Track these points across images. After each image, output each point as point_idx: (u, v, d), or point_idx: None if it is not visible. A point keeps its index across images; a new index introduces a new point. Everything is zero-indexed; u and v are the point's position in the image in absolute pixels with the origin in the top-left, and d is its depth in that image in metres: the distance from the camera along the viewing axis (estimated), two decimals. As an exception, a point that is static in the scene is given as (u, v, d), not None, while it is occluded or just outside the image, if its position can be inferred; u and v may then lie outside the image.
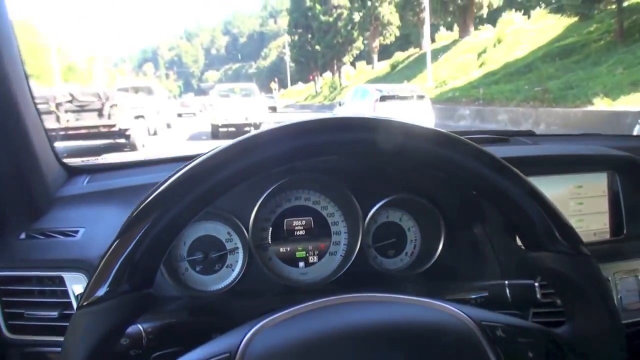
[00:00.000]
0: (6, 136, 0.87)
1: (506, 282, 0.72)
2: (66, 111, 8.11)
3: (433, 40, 26.46)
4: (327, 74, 44.17)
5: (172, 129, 14.88)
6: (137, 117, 9.52)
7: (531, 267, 0.55)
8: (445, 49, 25.13)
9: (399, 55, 31.57)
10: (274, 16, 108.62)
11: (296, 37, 42.66)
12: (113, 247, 0.46)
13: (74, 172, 1.20)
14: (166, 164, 1.29)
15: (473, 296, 0.71)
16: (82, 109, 8.24)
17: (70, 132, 8.25)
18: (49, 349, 0.90)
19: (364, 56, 38.95)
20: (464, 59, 21.48)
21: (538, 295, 0.70)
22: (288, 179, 1.01)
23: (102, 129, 8.48)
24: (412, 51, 31.19)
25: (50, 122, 7.81)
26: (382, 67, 34.05)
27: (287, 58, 68.75)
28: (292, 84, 64.29)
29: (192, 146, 10.87)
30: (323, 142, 0.49)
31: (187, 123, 18.48)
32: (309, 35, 39.90)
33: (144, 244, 0.46)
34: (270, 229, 1.06)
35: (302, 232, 1.07)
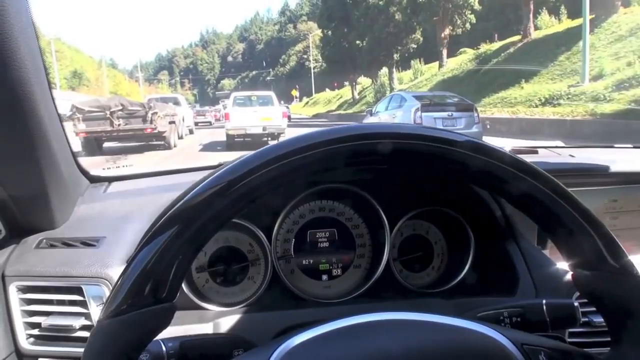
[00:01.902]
0: (29, 145, 0.89)
1: (544, 300, 0.69)
2: (118, 117, 11.04)
3: (536, 27, 21.52)
4: (358, 78, 39.06)
5: (194, 134, 17.98)
6: (170, 123, 12.45)
7: (578, 287, 0.55)
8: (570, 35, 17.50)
9: (489, 45, 23.77)
10: (293, 21, 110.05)
11: (329, 32, 36.72)
12: (135, 258, 0.47)
13: (94, 181, 1.27)
14: (186, 173, 1.37)
15: (506, 314, 0.69)
16: (130, 116, 11.18)
17: (121, 133, 11.28)
18: (67, 359, 0.93)
19: (419, 53, 31.00)
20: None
21: (579, 316, 0.68)
22: (312, 190, 1.06)
23: (145, 132, 11.37)
24: (510, 41, 22.36)
25: (105, 126, 10.85)
26: (449, 65, 26.36)
27: (312, 62, 64.55)
28: (316, 91, 61.08)
29: (212, 150, 12.26)
30: (356, 150, 0.50)
31: (204, 132, 21.17)
32: (345, 29, 33.92)
33: (167, 256, 0.47)
34: (293, 240, 1.09)
35: (325, 244, 1.11)
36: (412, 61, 30.85)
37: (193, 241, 0.48)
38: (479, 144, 0.52)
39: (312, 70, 61.76)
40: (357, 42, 32.43)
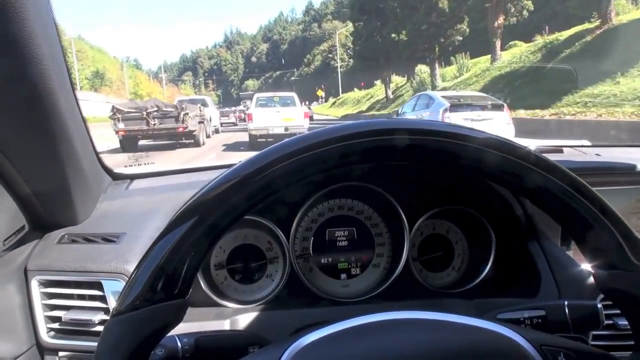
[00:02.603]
0: (52, 142, 0.91)
1: (565, 302, 0.69)
2: (153, 117, 12.41)
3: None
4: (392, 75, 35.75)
5: (219, 134, 19.50)
6: (199, 122, 13.81)
7: (599, 287, 0.55)
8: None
9: (555, 35, 20.49)
10: (318, 20, 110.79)
11: (361, 25, 33.39)
12: (149, 254, 0.48)
13: (117, 178, 1.31)
14: (206, 171, 1.42)
15: (527, 315, 0.69)
16: (164, 116, 12.57)
17: (155, 132, 12.71)
18: (86, 354, 0.96)
19: (463, 47, 27.11)
20: None
21: (602, 318, 0.68)
22: (331, 188, 1.08)
23: (177, 131, 12.75)
24: (584, 28, 18.75)
25: (142, 125, 12.31)
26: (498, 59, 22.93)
27: (338, 61, 63.38)
28: (343, 91, 59.00)
29: (235, 150, 12.94)
30: (371, 146, 0.51)
31: (228, 132, 22.45)
32: (378, 22, 30.81)
33: (180, 252, 0.48)
34: (312, 238, 1.12)
35: (344, 243, 1.13)
36: (455, 56, 27.49)
37: (207, 236, 0.49)
38: (490, 137, 0.52)
39: (339, 70, 60.93)
40: (393, 35, 28.90)
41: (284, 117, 12.26)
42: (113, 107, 12.40)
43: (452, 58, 28.39)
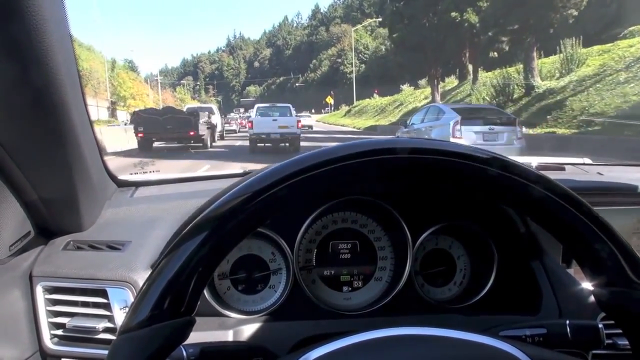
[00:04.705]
0: (60, 149, 0.95)
1: (567, 321, 0.73)
2: (169, 122, 15.54)
3: None
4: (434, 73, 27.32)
5: (223, 140, 22.77)
6: (208, 128, 17.03)
7: (600, 305, 0.58)
8: None
9: None
10: (326, 24, 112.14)
11: (401, 3, 25.94)
12: (157, 270, 0.51)
13: (122, 185, 1.36)
14: (211, 181, 1.49)
15: (528, 333, 0.73)
16: (178, 121, 15.83)
17: (170, 135, 16.03)
18: None
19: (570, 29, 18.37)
20: None
21: (603, 337, 0.71)
22: (336, 201, 1.13)
23: (189, 134, 15.96)
24: None
25: (158, 129, 15.57)
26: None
27: (353, 65, 60.50)
28: (356, 98, 55.60)
29: (239, 152, 16.22)
30: (379, 163, 0.55)
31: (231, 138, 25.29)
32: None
33: (189, 268, 0.50)
34: (315, 250, 1.17)
35: (347, 256, 1.19)
36: (562, 42, 18.24)
37: (214, 253, 0.52)
38: (507, 161, 0.56)
39: (354, 75, 59.87)
40: (454, 14, 21.85)
41: (280, 124, 15.19)
42: (134, 112, 15.76)
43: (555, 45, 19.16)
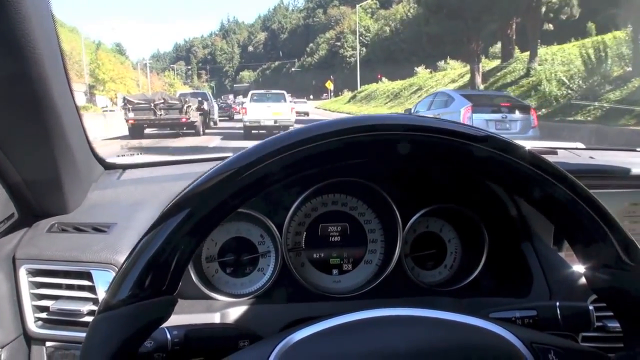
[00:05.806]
0: (43, 131, 0.96)
1: (557, 303, 0.74)
2: (159, 109, 15.52)
3: None
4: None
5: (217, 125, 22.85)
6: (200, 114, 16.98)
7: (591, 287, 0.59)
8: None
9: None
10: (323, 6, 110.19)
11: None
12: (138, 248, 0.51)
13: (109, 168, 1.37)
14: (199, 163, 1.52)
15: (518, 315, 0.74)
16: (169, 107, 15.73)
17: (161, 121, 16.00)
18: (73, 345, 1.01)
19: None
20: None
21: (593, 319, 0.73)
22: (325, 183, 1.13)
23: (180, 121, 15.92)
24: None
25: (149, 115, 15.49)
26: None
27: (358, 48, 57.61)
28: (360, 83, 50.81)
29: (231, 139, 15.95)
30: (369, 140, 0.54)
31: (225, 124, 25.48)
32: None
33: (169, 247, 0.50)
34: (305, 233, 1.18)
35: (337, 238, 1.20)
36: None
37: (197, 230, 0.52)
38: (503, 141, 0.55)
39: (358, 58, 56.21)
40: None
41: (274, 111, 15.48)
42: (124, 98, 15.72)
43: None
